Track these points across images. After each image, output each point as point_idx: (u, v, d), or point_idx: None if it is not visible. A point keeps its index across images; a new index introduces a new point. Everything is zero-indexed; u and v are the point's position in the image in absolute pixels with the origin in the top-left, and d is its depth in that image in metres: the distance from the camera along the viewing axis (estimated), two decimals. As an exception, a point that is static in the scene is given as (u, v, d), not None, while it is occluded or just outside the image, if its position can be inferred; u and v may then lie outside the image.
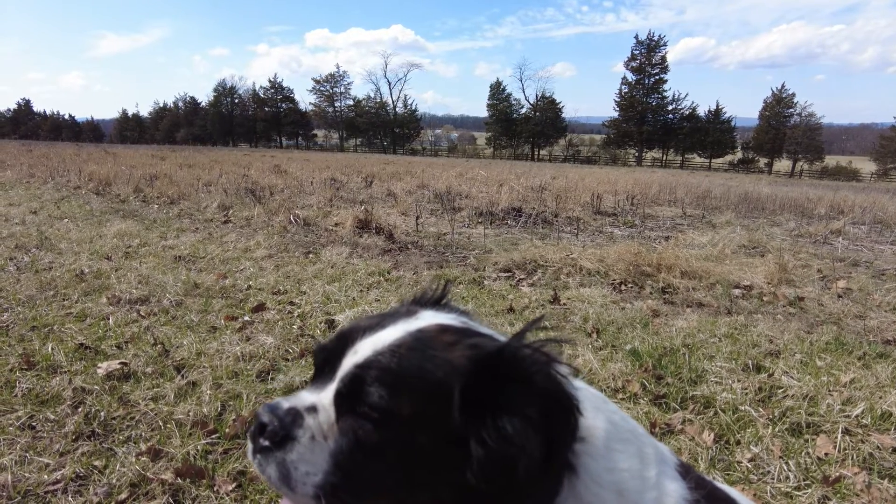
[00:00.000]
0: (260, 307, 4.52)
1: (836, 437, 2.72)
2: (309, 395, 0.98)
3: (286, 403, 0.96)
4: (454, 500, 0.90)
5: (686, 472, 1.03)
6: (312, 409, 0.95)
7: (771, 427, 2.84)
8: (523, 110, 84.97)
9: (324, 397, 0.96)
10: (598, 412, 0.97)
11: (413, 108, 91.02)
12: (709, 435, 2.75)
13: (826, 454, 2.62)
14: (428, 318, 1.03)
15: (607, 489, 0.90)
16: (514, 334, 0.97)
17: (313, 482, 0.89)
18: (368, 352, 0.94)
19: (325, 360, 1.01)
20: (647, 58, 75.16)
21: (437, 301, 1.15)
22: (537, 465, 0.84)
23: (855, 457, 2.59)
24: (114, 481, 2.27)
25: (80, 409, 2.81)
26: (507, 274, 6.17)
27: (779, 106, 71.01)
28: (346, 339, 1.00)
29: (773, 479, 2.46)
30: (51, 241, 6.78)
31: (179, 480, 2.28)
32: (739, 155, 75.77)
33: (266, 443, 0.92)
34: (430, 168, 26.25)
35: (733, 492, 1.15)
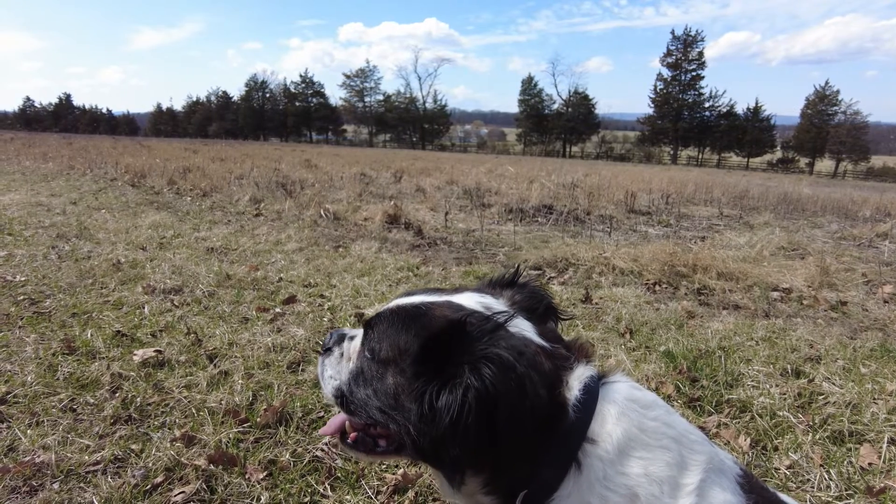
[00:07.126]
0: (291, 299, 4.58)
1: (882, 447, 2.60)
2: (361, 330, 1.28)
3: (345, 331, 1.35)
4: (420, 442, 1.03)
5: (749, 483, 1.00)
6: (353, 338, 1.30)
7: (811, 434, 2.73)
8: (555, 106, 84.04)
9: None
10: (623, 417, 0.99)
11: (443, 103, 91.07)
12: (745, 440, 2.67)
13: (870, 464, 2.51)
14: (458, 296, 1.19)
15: (616, 492, 0.93)
16: (497, 313, 1.07)
17: (333, 385, 1.25)
18: (388, 308, 1.20)
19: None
20: (684, 53, 73.50)
21: (509, 283, 1.32)
22: (461, 430, 0.92)
23: (902, 468, 2.47)
24: (150, 465, 2.32)
25: (117, 394, 2.89)
26: (537, 272, 6.11)
27: (822, 103, 68.37)
28: (395, 298, 1.27)
29: (812, 487, 2.37)
30: (89, 231, 7.00)
31: (212, 467, 2.32)
32: (779, 154, 73.33)
33: (321, 350, 1.36)
34: (459, 164, 26.22)
35: None
